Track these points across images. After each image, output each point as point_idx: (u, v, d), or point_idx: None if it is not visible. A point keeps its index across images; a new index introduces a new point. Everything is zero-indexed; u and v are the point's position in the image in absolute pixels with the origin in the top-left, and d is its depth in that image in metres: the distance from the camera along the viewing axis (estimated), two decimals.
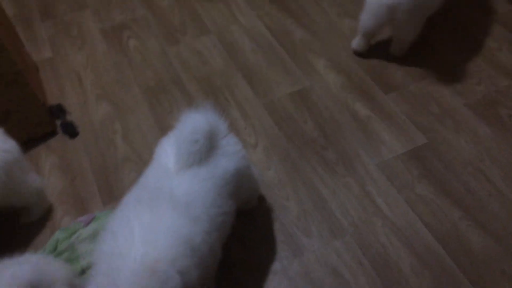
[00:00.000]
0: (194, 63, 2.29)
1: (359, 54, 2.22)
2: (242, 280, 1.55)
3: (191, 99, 2.12)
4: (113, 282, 1.06)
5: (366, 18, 2.06)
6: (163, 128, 2.02)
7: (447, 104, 2.00)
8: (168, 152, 1.33)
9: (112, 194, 1.81)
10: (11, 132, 1.91)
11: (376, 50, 2.25)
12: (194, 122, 1.30)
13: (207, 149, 1.29)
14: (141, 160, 1.92)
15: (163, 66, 2.29)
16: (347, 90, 2.10)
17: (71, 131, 2.03)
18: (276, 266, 1.58)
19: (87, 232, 1.66)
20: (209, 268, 1.25)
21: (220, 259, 1.33)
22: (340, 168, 1.82)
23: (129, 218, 1.18)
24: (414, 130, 1.92)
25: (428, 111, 1.98)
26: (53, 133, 2.04)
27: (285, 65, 2.23)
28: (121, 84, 2.22)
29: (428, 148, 1.85)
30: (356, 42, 2.22)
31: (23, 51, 2.17)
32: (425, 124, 1.93)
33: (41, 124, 2.00)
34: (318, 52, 2.27)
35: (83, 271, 1.57)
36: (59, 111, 2.09)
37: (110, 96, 2.17)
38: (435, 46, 2.24)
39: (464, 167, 1.78)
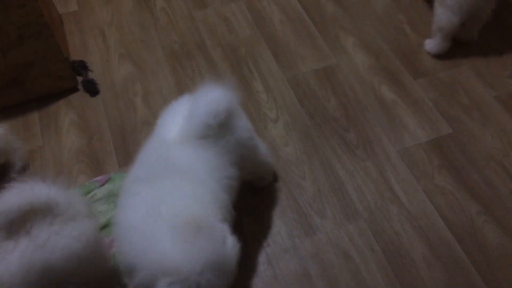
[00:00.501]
0: (221, 29, 2.24)
1: (439, 56, 2.07)
2: (252, 254, 1.55)
3: (214, 67, 2.08)
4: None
5: (450, 14, 1.84)
6: (184, 94, 1.98)
7: (477, 95, 1.94)
8: (170, 123, 1.32)
9: (128, 156, 1.81)
10: (33, 85, 1.91)
11: (409, 32, 2.17)
12: (217, 96, 1.28)
13: (221, 125, 1.27)
14: None
15: (188, 30, 2.24)
16: (374, 71, 2.04)
17: (92, 89, 2.02)
18: (287, 244, 1.57)
19: (101, 192, 1.67)
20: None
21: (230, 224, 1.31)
22: (360, 151, 1.79)
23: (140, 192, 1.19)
24: (439, 119, 1.87)
25: (456, 101, 1.92)
26: (74, 89, 2.03)
27: (313, 40, 2.17)
28: (145, 45, 2.19)
29: (452, 139, 1.81)
30: (437, 45, 2.01)
31: (50, 2, 2.14)
32: (452, 114, 1.88)
33: (63, 79, 1.99)
34: (348, 30, 2.20)
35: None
36: (81, 67, 2.08)
37: (133, 56, 2.15)
38: None
39: (487, 162, 1.74)
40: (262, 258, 1.55)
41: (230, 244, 1.12)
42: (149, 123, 1.91)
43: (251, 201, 1.66)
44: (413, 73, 2.02)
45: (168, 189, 1.18)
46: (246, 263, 1.54)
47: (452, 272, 1.50)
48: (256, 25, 2.24)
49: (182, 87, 2.02)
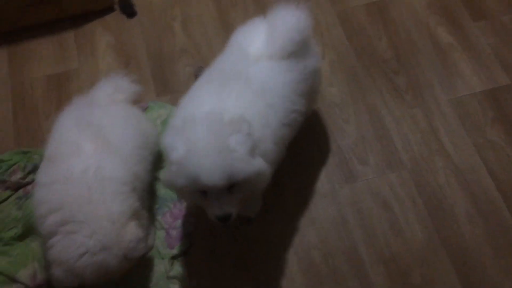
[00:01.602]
0: None
1: None
2: (289, 196, 1.53)
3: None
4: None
5: None
6: (226, 23, 1.88)
7: None
8: (251, 39, 1.27)
9: (166, 86, 1.74)
10: (68, 2, 1.82)
11: None
12: (297, 13, 1.25)
13: (304, 42, 1.25)
14: (199, 54, 1.82)
15: None
16: (431, 10, 1.88)
17: (129, 11, 1.92)
18: (326, 188, 1.53)
19: None
20: (274, 162, 1.19)
21: (281, 160, 1.28)
22: (409, 96, 1.69)
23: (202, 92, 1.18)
24: (498, 68, 1.73)
25: None
26: (110, 9, 1.93)
27: None
28: None
29: (509, 91, 1.69)
30: None
31: None
32: None
33: None
34: None
35: None
36: None
37: None
38: None
39: None
40: (299, 201, 1.52)
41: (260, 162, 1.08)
42: (187, 52, 1.82)
43: (291, 144, 1.60)
44: (474, 14, 1.86)
45: (233, 98, 1.14)
46: (282, 205, 1.51)
47: (494, 231, 1.45)
48: None
49: (224, 15, 1.90)
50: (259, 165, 1.06)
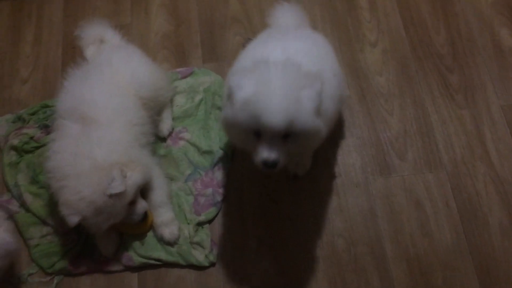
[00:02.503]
0: None
1: None
2: (321, 181, 1.52)
3: None
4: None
5: None
6: None
7: None
8: None
9: (213, 53, 1.74)
10: None
11: None
12: None
13: None
14: (250, 24, 1.80)
15: None
16: (498, 9, 1.79)
17: None
18: (359, 178, 1.52)
19: (182, 85, 1.65)
20: (329, 125, 1.21)
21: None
22: (460, 96, 1.63)
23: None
24: None
25: None
26: None
27: None
28: None
29: None
30: None
31: None
32: None
33: None
34: None
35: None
36: None
37: None
38: None
39: None
40: (330, 187, 1.51)
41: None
42: (239, 21, 1.80)
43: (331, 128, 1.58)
44: None
45: (303, 54, 1.17)
46: (313, 188, 1.51)
47: None
48: None
49: None
50: (319, 124, 1.06)
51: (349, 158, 1.55)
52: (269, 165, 1.06)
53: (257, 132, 1.05)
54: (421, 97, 1.63)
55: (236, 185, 1.52)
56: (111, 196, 1.21)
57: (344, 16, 1.79)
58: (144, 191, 1.39)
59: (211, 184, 1.49)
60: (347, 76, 1.67)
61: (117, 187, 1.21)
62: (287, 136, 1.05)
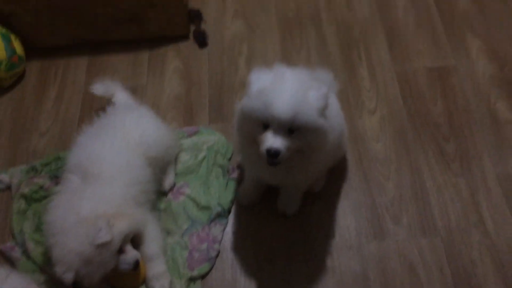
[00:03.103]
0: (340, 4, 2.15)
1: None
2: (315, 242, 1.54)
3: (323, 43, 2.02)
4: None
5: None
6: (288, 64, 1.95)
7: None
8: None
9: (220, 113, 1.84)
10: (149, 25, 1.99)
11: None
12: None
13: None
14: None
15: (307, 0, 2.18)
16: (494, 82, 1.86)
17: (202, 41, 2.06)
18: (353, 240, 1.53)
19: (187, 143, 1.73)
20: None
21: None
22: (456, 165, 1.67)
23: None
24: None
25: None
26: (185, 37, 2.08)
27: (434, 35, 2.01)
28: (261, 7, 2.17)
29: None
30: None
31: None
32: None
33: (177, 25, 2.04)
34: (477, 31, 2.01)
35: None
36: (196, 16, 2.11)
37: (247, 16, 2.14)
38: None
39: None
40: (324, 248, 1.53)
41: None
42: (246, 85, 1.91)
43: (327, 188, 1.62)
44: None
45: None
46: (307, 249, 1.53)
47: None
48: (378, 8, 2.12)
49: (288, 57, 1.99)
50: (322, 124, 1.17)
51: (344, 220, 1.58)
52: (271, 153, 1.14)
53: (265, 124, 1.15)
54: (417, 163, 1.68)
55: (231, 242, 1.56)
56: (98, 246, 1.25)
57: (345, 84, 1.88)
58: (137, 243, 1.43)
59: (206, 239, 1.53)
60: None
61: (103, 237, 1.25)
62: (292, 132, 1.15)
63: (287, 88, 1.14)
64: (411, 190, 1.62)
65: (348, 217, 1.58)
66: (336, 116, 1.34)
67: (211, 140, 1.74)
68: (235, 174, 1.66)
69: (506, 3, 2.09)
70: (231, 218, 1.60)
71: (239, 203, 1.62)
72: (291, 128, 1.14)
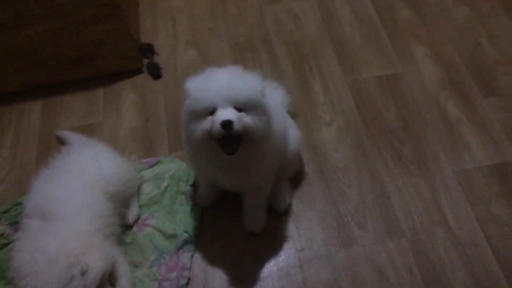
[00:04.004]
0: (288, 26, 2.21)
1: None
2: (284, 256, 1.54)
3: (276, 63, 2.07)
4: None
5: None
6: None
7: None
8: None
9: (179, 142, 1.84)
10: (102, 62, 2.00)
11: (487, 47, 2.03)
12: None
13: None
14: None
15: (256, 24, 2.24)
16: (442, 85, 1.93)
17: (156, 73, 2.08)
18: (321, 251, 1.54)
19: (148, 174, 1.72)
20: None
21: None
22: (414, 167, 1.71)
23: None
24: (506, 144, 1.73)
25: None
26: (138, 71, 2.10)
27: (381, 45, 2.09)
28: (212, 34, 2.22)
29: None
30: None
31: None
32: None
33: (130, 60, 2.06)
34: (420, 38, 2.10)
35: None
36: (148, 50, 2.14)
37: (198, 45, 2.18)
38: None
39: None
40: (294, 261, 1.52)
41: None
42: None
43: (292, 203, 1.64)
44: (484, 90, 1.89)
45: None
46: (277, 264, 1.52)
47: None
48: (325, 25, 2.19)
49: None
50: (264, 100, 1.24)
51: (311, 232, 1.58)
52: (225, 124, 1.16)
53: (212, 111, 1.19)
54: (377, 169, 1.71)
55: (201, 266, 1.54)
56: None
57: (301, 100, 1.92)
58: (110, 280, 1.40)
59: (175, 268, 1.51)
60: (306, 154, 1.76)
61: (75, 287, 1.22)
62: (240, 110, 1.19)
63: (224, 73, 1.23)
64: (373, 195, 1.64)
65: (314, 228, 1.59)
66: (278, 114, 1.39)
67: (173, 168, 1.73)
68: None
69: (444, 10, 2.19)
70: (198, 243, 1.58)
71: (198, 205, 1.64)
72: (237, 107, 1.19)
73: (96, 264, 1.29)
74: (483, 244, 1.51)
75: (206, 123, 1.20)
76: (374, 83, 1.96)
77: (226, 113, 1.17)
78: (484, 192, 1.62)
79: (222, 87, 1.18)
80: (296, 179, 1.69)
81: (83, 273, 1.24)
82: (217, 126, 1.17)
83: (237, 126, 1.17)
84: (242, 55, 2.12)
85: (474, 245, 1.51)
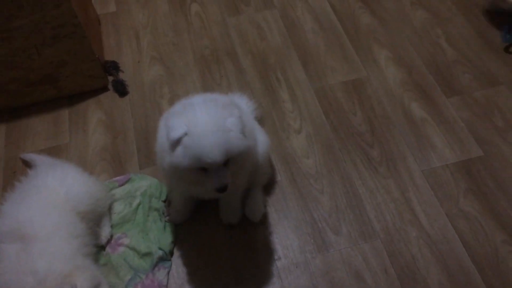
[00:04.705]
0: (252, 37, 2.23)
1: None
2: (262, 266, 1.53)
3: (242, 74, 2.08)
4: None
5: None
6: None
7: None
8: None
9: (149, 158, 1.83)
10: (65, 83, 1.97)
11: (446, 48, 2.10)
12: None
13: None
14: None
15: (220, 36, 2.25)
16: (405, 87, 1.98)
17: (122, 90, 2.05)
18: (298, 258, 1.54)
19: (120, 193, 1.69)
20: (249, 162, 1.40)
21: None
22: (383, 168, 1.73)
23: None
24: (471, 141, 1.78)
25: (491, 123, 1.83)
26: (104, 89, 2.08)
27: (344, 51, 2.13)
28: (177, 49, 2.21)
29: (482, 162, 1.72)
30: None
31: (88, 3, 2.20)
32: (484, 136, 1.79)
33: (94, 78, 2.03)
34: (382, 42, 2.15)
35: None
36: (113, 68, 2.12)
37: (164, 59, 2.17)
38: None
39: None
40: (271, 271, 1.52)
41: None
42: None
43: (266, 213, 1.64)
44: (446, 91, 1.95)
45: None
46: (255, 274, 1.52)
47: None
48: (288, 34, 2.22)
49: (209, 90, 2.01)
50: (248, 141, 1.25)
51: (286, 240, 1.58)
52: (221, 190, 1.22)
53: (202, 168, 1.20)
54: (348, 173, 1.73)
55: (178, 282, 1.52)
56: None
57: (269, 110, 1.94)
58: None
59: (152, 286, 1.48)
60: (278, 162, 1.77)
61: None
62: (227, 161, 1.21)
63: (207, 130, 1.17)
64: (346, 199, 1.66)
65: (290, 236, 1.59)
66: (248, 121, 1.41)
67: (144, 185, 1.71)
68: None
69: (402, 13, 2.25)
70: (174, 259, 1.56)
71: (172, 221, 1.63)
72: (225, 161, 1.20)
73: (83, 284, 1.26)
74: (454, 240, 1.55)
75: (197, 177, 1.23)
76: (340, 89, 1.99)
77: (221, 180, 1.20)
78: (452, 189, 1.66)
79: (212, 153, 1.16)
80: (269, 188, 1.70)
81: None
82: (214, 189, 1.21)
83: (230, 185, 1.22)
84: (208, 67, 2.12)
85: (446, 242, 1.54)
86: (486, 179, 1.68)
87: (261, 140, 1.54)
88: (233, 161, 1.22)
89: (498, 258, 1.50)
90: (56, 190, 1.45)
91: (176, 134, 1.18)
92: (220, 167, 1.20)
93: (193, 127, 1.18)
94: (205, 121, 1.19)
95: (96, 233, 1.55)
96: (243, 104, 1.68)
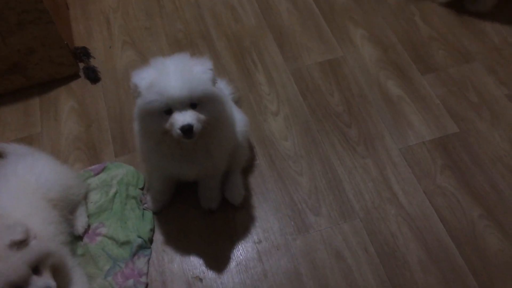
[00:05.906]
0: (226, 18, 2.19)
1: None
2: (243, 250, 1.53)
3: (217, 57, 2.04)
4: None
5: None
6: None
7: (488, 94, 1.86)
8: None
9: (125, 146, 1.79)
10: (34, 71, 1.91)
11: (420, 25, 2.09)
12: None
13: None
14: None
15: (194, 19, 2.20)
16: (381, 65, 1.97)
17: (93, 76, 2.00)
18: (279, 240, 1.54)
19: (96, 182, 1.66)
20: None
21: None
22: (361, 148, 1.74)
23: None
24: (446, 117, 1.80)
25: (465, 99, 1.85)
26: (75, 76, 2.02)
27: (320, 31, 2.10)
28: (149, 33, 2.16)
29: (457, 138, 1.74)
30: None
31: None
32: (460, 112, 1.81)
33: (64, 66, 1.97)
34: (357, 21, 2.13)
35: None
36: (83, 54, 2.06)
37: (136, 44, 2.12)
38: (486, 28, 2.07)
39: (493, 164, 1.67)
40: (252, 254, 1.52)
41: None
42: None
43: (246, 197, 1.63)
44: (422, 68, 1.95)
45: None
46: (236, 259, 1.51)
47: (447, 278, 1.45)
48: (263, 15, 2.19)
49: None
50: (216, 90, 1.25)
51: (267, 223, 1.58)
52: (185, 129, 1.18)
53: (167, 110, 1.19)
54: (326, 153, 1.73)
55: (158, 270, 1.50)
56: (10, 244, 1.16)
57: (246, 93, 1.91)
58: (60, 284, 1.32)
59: (132, 275, 1.47)
60: (256, 145, 1.75)
61: (17, 234, 1.17)
62: (195, 106, 1.20)
63: (173, 71, 1.19)
64: (325, 180, 1.66)
65: (270, 218, 1.59)
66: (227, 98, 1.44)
67: (120, 173, 1.68)
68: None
69: None
70: (154, 246, 1.54)
71: (150, 209, 1.61)
72: (192, 103, 1.20)
73: (43, 242, 1.24)
74: (432, 216, 1.56)
75: (164, 124, 1.21)
76: (316, 69, 1.97)
77: (185, 118, 1.18)
78: (429, 166, 1.68)
79: (175, 88, 1.17)
80: (249, 171, 1.68)
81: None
82: (177, 131, 1.19)
83: (196, 127, 1.19)
84: (182, 50, 2.05)
85: (424, 218, 1.56)
86: (462, 155, 1.69)
87: (239, 118, 1.53)
88: (202, 106, 1.21)
89: (475, 233, 1.53)
90: (26, 178, 1.42)
91: (147, 81, 1.20)
92: (183, 105, 1.19)
93: (160, 70, 1.20)
94: (173, 65, 1.21)
95: (70, 222, 1.52)
96: (222, 86, 1.65)
